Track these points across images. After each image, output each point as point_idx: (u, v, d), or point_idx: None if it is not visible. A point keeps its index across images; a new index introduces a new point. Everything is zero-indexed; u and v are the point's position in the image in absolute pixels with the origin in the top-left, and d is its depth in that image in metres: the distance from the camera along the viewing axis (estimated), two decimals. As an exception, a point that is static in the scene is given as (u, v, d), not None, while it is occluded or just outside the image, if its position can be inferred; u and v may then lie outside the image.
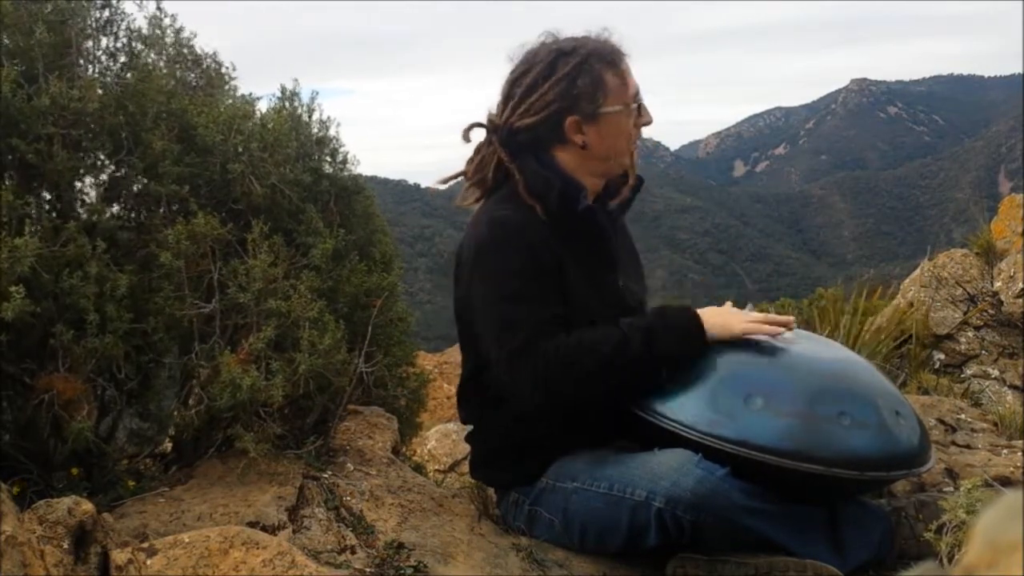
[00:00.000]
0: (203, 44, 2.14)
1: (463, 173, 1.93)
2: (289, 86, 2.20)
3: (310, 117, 2.19)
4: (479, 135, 1.91)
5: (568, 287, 1.78)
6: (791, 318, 1.83)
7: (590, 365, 1.68)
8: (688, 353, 1.74)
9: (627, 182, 1.95)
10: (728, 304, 1.89)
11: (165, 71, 2.04)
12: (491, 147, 1.87)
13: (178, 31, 2.07)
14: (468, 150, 1.95)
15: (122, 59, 1.99)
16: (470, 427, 2.00)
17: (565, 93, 1.79)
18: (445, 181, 1.95)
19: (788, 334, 1.85)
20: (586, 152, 1.83)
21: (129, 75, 1.95)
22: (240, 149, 1.95)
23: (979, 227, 4.57)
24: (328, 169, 2.19)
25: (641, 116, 1.87)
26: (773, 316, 1.84)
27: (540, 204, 1.80)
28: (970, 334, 4.02)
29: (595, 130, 1.81)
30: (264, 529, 1.68)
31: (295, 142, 2.07)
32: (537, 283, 1.74)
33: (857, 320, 3.87)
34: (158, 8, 2.02)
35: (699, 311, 1.79)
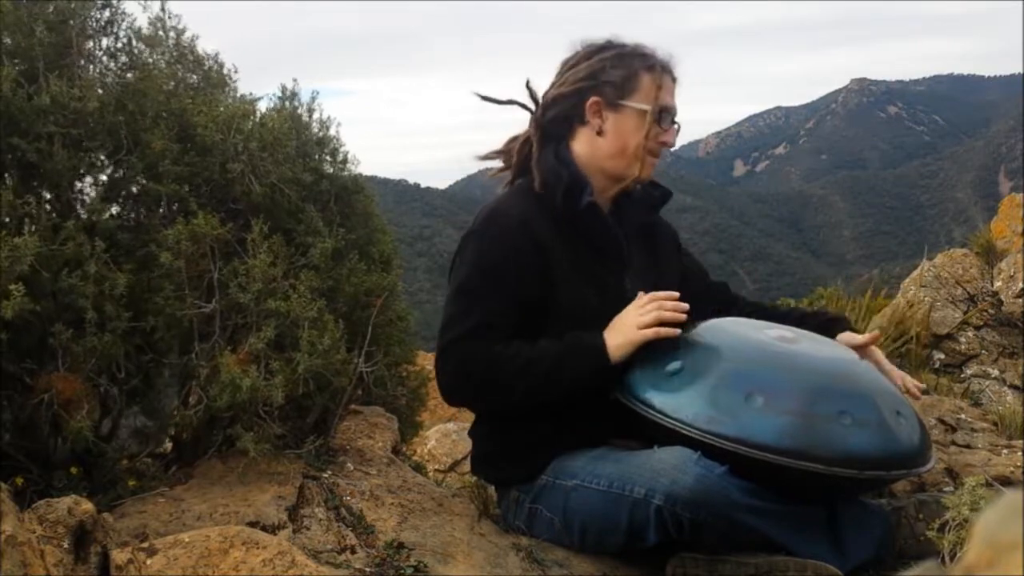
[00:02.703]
0: (204, 45, 2.14)
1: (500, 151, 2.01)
2: (289, 86, 2.20)
3: (310, 117, 2.19)
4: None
5: (561, 285, 1.80)
6: (675, 293, 1.79)
7: (498, 377, 1.75)
8: (593, 380, 1.77)
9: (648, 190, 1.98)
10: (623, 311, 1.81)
11: (166, 71, 2.03)
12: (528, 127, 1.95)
13: (180, 32, 2.07)
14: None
15: (123, 59, 1.99)
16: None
17: (595, 74, 1.87)
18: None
19: (788, 333, 1.85)
20: (599, 141, 1.87)
21: (129, 75, 1.95)
22: (240, 148, 1.95)
23: (979, 227, 4.57)
24: (328, 169, 2.19)
25: (665, 131, 1.89)
26: (656, 295, 1.78)
27: (549, 198, 1.84)
28: (970, 334, 4.02)
29: (613, 119, 1.87)
30: (264, 529, 1.68)
31: (295, 141, 2.07)
32: (500, 285, 1.77)
33: (858, 320, 3.87)
34: (162, 9, 2.02)
35: (607, 331, 1.78)
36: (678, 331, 1.75)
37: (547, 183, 1.85)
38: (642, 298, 1.79)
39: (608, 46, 1.90)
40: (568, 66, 1.91)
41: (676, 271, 2.08)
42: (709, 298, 2.07)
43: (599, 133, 1.87)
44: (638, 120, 1.86)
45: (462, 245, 1.86)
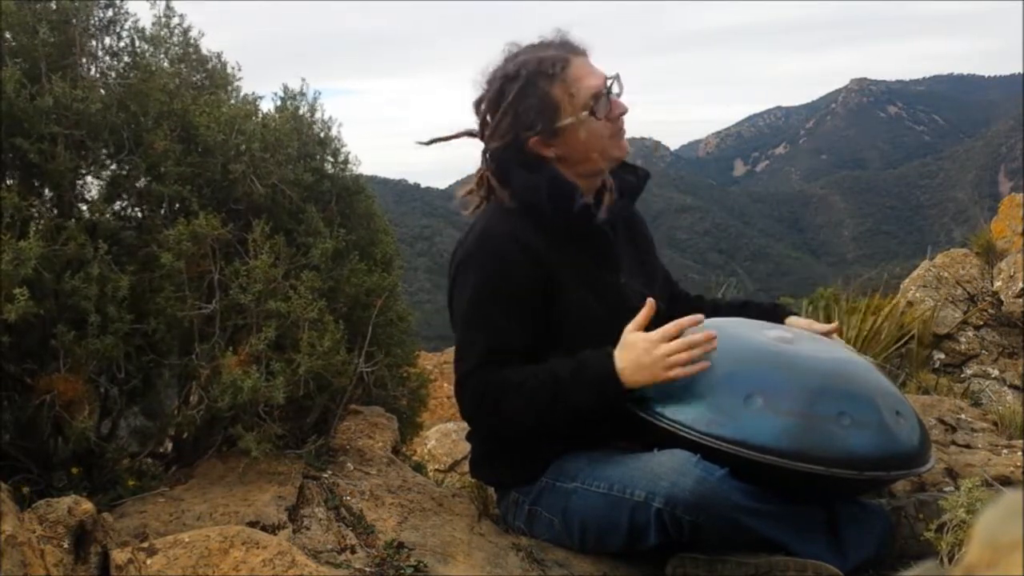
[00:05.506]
0: (208, 44, 2.14)
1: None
2: (293, 85, 2.20)
3: (312, 117, 2.19)
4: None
5: (563, 294, 1.79)
6: (713, 334, 1.68)
7: (511, 407, 1.74)
8: (602, 406, 1.73)
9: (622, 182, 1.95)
10: (643, 339, 1.70)
11: (170, 71, 2.03)
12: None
13: (186, 31, 2.06)
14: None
15: (125, 59, 1.99)
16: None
17: (517, 119, 1.80)
18: (432, 142, 1.97)
19: (787, 334, 1.85)
20: (562, 160, 1.84)
21: (132, 75, 1.95)
22: (242, 149, 1.95)
23: (979, 227, 4.58)
24: (330, 169, 2.19)
25: (612, 110, 1.83)
26: (691, 339, 1.68)
27: (535, 212, 1.81)
28: (970, 334, 4.02)
29: (561, 142, 1.82)
30: (264, 529, 1.68)
31: (297, 142, 2.07)
32: (504, 307, 1.76)
33: (858, 320, 3.87)
34: (168, 7, 2.01)
35: (618, 356, 1.70)
36: (708, 364, 1.67)
37: (527, 199, 1.81)
38: (669, 329, 1.68)
39: (507, 79, 1.81)
40: (483, 115, 1.86)
41: (657, 262, 2.08)
42: (676, 299, 2.09)
43: (558, 159, 1.83)
44: (581, 127, 1.80)
45: (457, 272, 1.83)
